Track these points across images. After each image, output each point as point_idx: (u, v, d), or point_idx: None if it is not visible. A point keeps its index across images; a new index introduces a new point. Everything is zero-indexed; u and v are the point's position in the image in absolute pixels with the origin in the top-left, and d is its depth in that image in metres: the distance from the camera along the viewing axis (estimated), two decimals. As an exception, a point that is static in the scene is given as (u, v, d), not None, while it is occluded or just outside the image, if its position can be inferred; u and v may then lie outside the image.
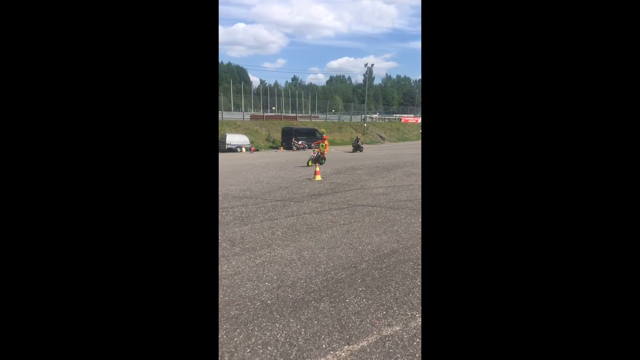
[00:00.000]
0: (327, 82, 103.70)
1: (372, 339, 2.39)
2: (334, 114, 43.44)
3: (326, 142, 15.29)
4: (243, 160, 17.54)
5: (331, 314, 2.72)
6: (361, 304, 2.88)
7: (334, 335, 2.44)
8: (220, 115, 30.02)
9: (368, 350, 2.27)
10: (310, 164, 13.87)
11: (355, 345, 2.32)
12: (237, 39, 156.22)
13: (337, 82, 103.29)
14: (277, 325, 2.57)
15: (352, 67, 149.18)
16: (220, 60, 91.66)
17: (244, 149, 24.44)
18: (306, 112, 38.92)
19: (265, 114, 34.16)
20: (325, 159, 14.83)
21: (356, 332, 2.47)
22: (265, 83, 62.33)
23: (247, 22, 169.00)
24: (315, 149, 14.42)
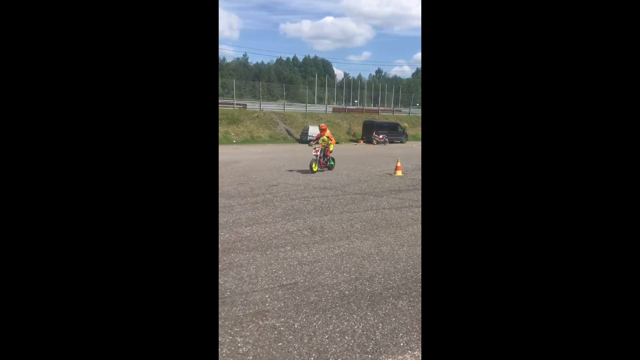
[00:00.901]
0: (413, 74, 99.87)
1: (453, 345, 2.28)
2: (418, 107, 41.81)
3: (327, 133, 10.33)
4: (324, 152, 17.87)
5: (410, 313, 2.66)
6: (442, 307, 2.76)
7: (413, 335, 2.38)
8: (303, 108, 30.99)
9: (449, 356, 2.17)
10: (315, 168, 9.78)
11: (434, 349, 2.24)
12: (324, 32, 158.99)
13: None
14: (355, 316, 2.60)
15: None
16: (306, 54, 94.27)
17: (324, 141, 24.93)
18: (389, 106, 38.12)
19: (347, 107, 34.31)
20: (334, 160, 10.60)
21: (436, 336, 2.38)
22: (349, 76, 62.52)
23: (335, 15, 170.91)
24: (316, 147, 10.14)
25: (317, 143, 10.29)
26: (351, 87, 39.46)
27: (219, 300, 2.79)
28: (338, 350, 2.21)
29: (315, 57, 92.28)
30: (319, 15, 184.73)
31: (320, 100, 35.41)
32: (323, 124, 11.84)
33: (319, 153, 9.96)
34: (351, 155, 16.23)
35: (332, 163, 10.50)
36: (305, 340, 2.30)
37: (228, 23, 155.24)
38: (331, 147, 10.28)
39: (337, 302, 2.80)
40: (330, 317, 2.59)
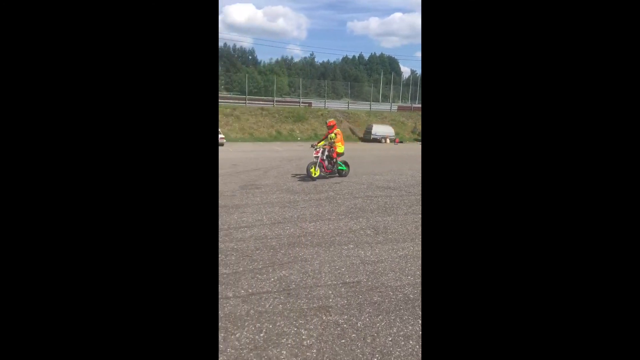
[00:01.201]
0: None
1: None
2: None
3: (336, 130, 8.21)
4: (387, 151, 17.61)
5: (480, 324, 2.51)
6: (517, 321, 2.56)
7: (483, 347, 2.24)
8: (368, 106, 30.74)
9: (525, 375, 2.01)
10: (316, 173, 7.93)
11: (508, 365, 2.08)
12: (392, 29, 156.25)
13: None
14: (420, 321, 2.51)
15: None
16: (372, 52, 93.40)
17: (388, 140, 24.52)
18: (458, 104, 36.22)
19: (413, 105, 33.32)
20: (346, 165, 8.56)
21: (510, 351, 2.21)
22: (416, 73, 60.54)
23: (404, 11, 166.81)
24: (319, 147, 8.16)
25: (325, 141, 8.26)
26: (418, 85, 38.20)
27: (285, 292, 2.90)
28: (402, 354, 2.16)
29: (382, 55, 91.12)
30: (388, 12, 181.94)
31: (385, 99, 34.83)
32: (332, 119, 8.78)
33: (319, 155, 8.04)
34: (416, 155, 15.73)
35: (342, 167, 8.38)
36: (369, 341, 2.28)
37: (297, 23, 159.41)
38: (339, 149, 8.18)
39: (401, 305, 2.74)
40: (394, 319, 2.54)
